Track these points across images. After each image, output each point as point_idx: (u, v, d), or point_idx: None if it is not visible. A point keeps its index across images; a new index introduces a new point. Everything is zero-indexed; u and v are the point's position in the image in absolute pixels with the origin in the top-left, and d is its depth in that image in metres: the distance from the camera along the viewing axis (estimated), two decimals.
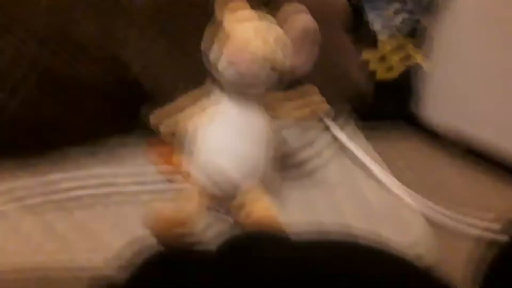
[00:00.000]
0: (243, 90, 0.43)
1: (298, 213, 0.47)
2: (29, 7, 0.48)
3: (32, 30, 0.48)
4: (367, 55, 0.67)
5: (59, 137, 0.52)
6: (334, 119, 0.61)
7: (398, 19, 0.98)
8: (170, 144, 0.48)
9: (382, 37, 0.72)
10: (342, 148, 0.59)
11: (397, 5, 0.98)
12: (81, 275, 0.37)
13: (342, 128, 0.60)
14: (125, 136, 0.56)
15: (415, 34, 0.76)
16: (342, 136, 0.58)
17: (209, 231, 0.42)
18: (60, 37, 0.49)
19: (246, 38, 0.41)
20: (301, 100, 0.46)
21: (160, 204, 0.44)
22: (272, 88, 0.45)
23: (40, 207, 0.44)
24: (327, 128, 0.60)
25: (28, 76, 0.48)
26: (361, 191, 0.51)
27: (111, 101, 0.53)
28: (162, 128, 0.46)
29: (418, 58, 0.70)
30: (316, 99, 0.46)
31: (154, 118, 0.46)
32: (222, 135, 0.44)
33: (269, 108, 0.45)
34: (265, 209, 0.41)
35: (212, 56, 0.43)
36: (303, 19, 0.43)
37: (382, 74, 0.69)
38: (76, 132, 0.53)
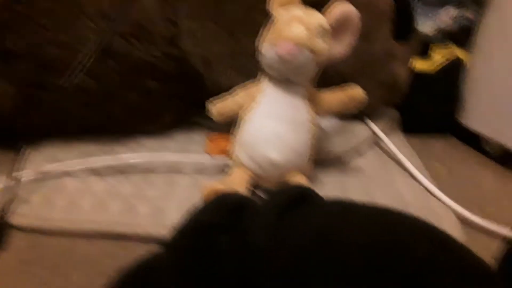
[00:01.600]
0: (285, 75, 0.45)
1: (329, 191, 0.49)
2: None
3: (100, 9, 0.52)
4: (418, 64, 0.68)
5: (125, 117, 0.58)
6: (379, 122, 0.62)
7: (455, 26, 0.97)
8: (227, 138, 0.53)
9: (434, 45, 0.73)
10: (383, 148, 0.61)
11: (451, 9, 0.98)
12: (142, 232, 0.43)
13: (387, 133, 0.61)
14: (191, 131, 0.62)
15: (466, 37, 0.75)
16: (384, 138, 0.60)
17: None
18: (122, 16, 0.53)
19: (287, 20, 0.44)
20: (340, 92, 0.48)
21: (211, 181, 0.48)
22: (314, 79, 0.47)
23: (108, 174, 0.51)
24: (371, 132, 0.61)
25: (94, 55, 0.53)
26: (395, 184, 0.53)
27: (173, 85, 0.58)
28: (213, 110, 0.50)
29: (462, 56, 0.70)
30: (355, 91, 0.48)
31: (211, 106, 0.50)
32: (266, 120, 0.47)
33: (311, 99, 0.48)
34: None
35: (258, 41, 0.46)
36: (343, 6, 0.45)
37: (421, 65, 0.69)
38: (141, 113, 0.58)
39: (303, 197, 0.32)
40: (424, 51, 0.70)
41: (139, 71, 0.55)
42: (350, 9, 0.46)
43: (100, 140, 0.58)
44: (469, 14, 0.96)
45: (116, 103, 0.56)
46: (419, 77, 0.67)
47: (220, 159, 0.54)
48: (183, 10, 0.55)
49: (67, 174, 0.50)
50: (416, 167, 0.55)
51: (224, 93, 0.52)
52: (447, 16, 0.95)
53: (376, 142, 0.62)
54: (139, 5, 0.54)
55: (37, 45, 0.52)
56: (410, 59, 0.64)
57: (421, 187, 0.53)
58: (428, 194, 0.51)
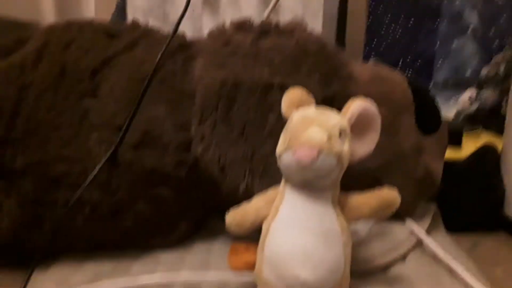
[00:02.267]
0: (306, 181, 0.41)
1: None
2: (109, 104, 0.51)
3: (107, 120, 0.50)
4: (449, 154, 0.64)
5: (138, 230, 0.53)
6: (419, 222, 0.57)
7: (475, 106, 0.96)
8: (253, 250, 0.48)
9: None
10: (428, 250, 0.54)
11: (471, 92, 0.97)
12: None
13: (430, 233, 0.56)
14: (211, 239, 0.58)
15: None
16: (428, 240, 0.54)
17: None
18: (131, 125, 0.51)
19: (304, 124, 0.41)
20: (371, 195, 0.44)
21: None
22: (338, 181, 0.43)
23: None
24: (412, 233, 0.56)
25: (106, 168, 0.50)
26: None
27: (187, 193, 0.54)
28: (232, 223, 0.45)
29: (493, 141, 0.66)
30: (385, 192, 0.43)
31: (228, 218, 0.45)
32: (290, 232, 0.42)
33: (338, 204, 0.43)
34: None
35: (277, 148, 0.43)
36: (360, 102, 0.43)
37: (452, 155, 0.65)
38: (155, 224, 0.54)
39: None
40: (456, 141, 0.66)
41: (150, 180, 0.52)
42: (367, 105, 0.43)
43: (114, 258, 0.53)
44: (489, 95, 0.95)
45: (127, 216, 0.52)
46: (449, 168, 0.62)
47: (245, 275, 0.47)
48: (193, 114, 0.53)
49: None
50: (471, 274, 0.48)
51: (242, 201, 0.47)
52: (468, 99, 0.94)
53: (420, 244, 0.55)
54: (148, 113, 0.52)
55: (40, 161, 0.49)
56: (443, 151, 0.59)
57: None
58: None
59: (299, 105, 0.45)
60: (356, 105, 0.43)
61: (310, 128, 0.40)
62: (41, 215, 0.49)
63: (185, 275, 0.48)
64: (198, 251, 0.55)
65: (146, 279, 0.47)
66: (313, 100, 0.46)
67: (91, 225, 0.51)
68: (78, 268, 0.51)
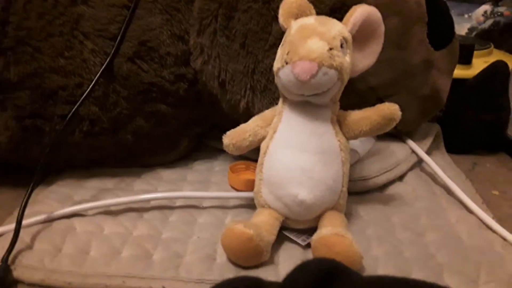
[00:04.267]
0: (305, 97, 0.40)
1: (372, 230, 0.44)
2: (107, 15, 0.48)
3: (100, 28, 0.48)
4: (458, 71, 0.61)
5: (138, 147, 0.53)
6: (420, 141, 0.56)
7: (488, 23, 0.91)
8: (253, 169, 0.48)
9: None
10: (427, 170, 0.54)
11: (486, 7, 0.91)
12: (156, 286, 0.37)
13: (430, 153, 0.55)
14: (211, 158, 0.58)
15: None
16: (428, 160, 0.53)
17: (279, 254, 0.41)
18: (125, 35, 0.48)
19: (303, 34, 0.38)
20: (370, 111, 0.42)
21: (232, 221, 0.43)
22: (338, 97, 0.42)
23: (122, 213, 0.46)
24: (412, 152, 0.55)
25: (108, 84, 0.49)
26: (445, 216, 0.46)
27: (186, 109, 0.53)
28: (229, 144, 0.44)
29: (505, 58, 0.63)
30: (388, 107, 0.41)
31: (226, 140, 0.45)
32: (288, 152, 0.41)
33: (337, 121, 0.42)
34: (343, 241, 0.37)
35: (274, 64, 0.41)
36: (363, 9, 0.40)
37: (461, 72, 0.62)
38: (155, 141, 0.53)
39: (333, 275, 0.26)
40: (466, 58, 0.63)
41: (148, 95, 0.50)
42: (371, 11, 0.40)
43: (116, 176, 0.53)
44: (504, 10, 0.89)
45: (126, 132, 0.51)
46: (457, 85, 0.60)
47: (245, 194, 0.48)
48: (191, 25, 0.50)
49: (77, 214, 0.45)
50: (468, 195, 0.48)
51: (243, 118, 0.46)
52: (482, 14, 0.89)
53: (419, 164, 0.56)
54: (143, 22, 0.49)
55: (34, 72, 0.47)
56: (452, 68, 0.57)
57: (476, 219, 0.46)
58: (485, 228, 0.45)
59: (297, 14, 0.41)
60: (359, 12, 0.40)
61: (310, 39, 0.38)
62: (39, 129, 0.49)
63: (186, 192, 0.49)
64: (199, 170, 0.56)
65: (145, 196, 0.47)
66: (312, 8, 0.42)
67: (90, 140, 0.50)
68: (80, 185, 0.51)
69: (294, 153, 0.41)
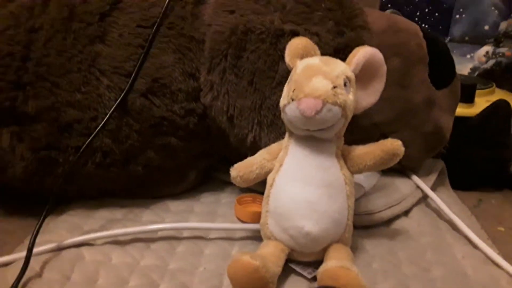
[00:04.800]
0: (310, 132, 0.41)
1: (378, 264, 0.44)
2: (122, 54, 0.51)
3: (115, 66, 0.50)
4: (461, 110, 0.62)
5: (148, 178, 0.54)
6: (425, 177, 0.57)
7: (490, 63, 0.93)
8: (259, 202, 0.48)
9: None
10: (432, 206, 0.55)
11: (488, 48, 0.94)
12: None
13: (435, 189, 0.56)
14: (219, 190, 0.59)
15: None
16: (433, 195, 0.54)
17: (285, 286, 0.41)
18: (139, 72, 0.50)
19: (308, 73, 0.40)
20: (374, 146, 0.43)
21: (239, 252, 0.43)
22: (342, 133, 0.43)
23: (130, 243, 0.47)
24: (417, 188, 0.56)
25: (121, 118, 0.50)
26: (451, 252, 0.46)
27: (195, 142, 0.54)
28: (237, 176, 0.45)
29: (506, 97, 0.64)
30: (389, 141, 0.42)
31: (234, 172, 0.46)
32: (294, 185, 0.42)
33: (342, 156, 0.43)
34: (348, 274, 0.38)
35: (281, 101, 0.42)
36: (365, 50, 0.41)
37: (463, 111, 0.64)
38: (164, 173, 0.55)
39: None
40: (469, 97, 0.65)
41: (159, 128, 0.52)
42: (373, 52, 0.42)
43: (125, 206, 0.54)
44: (506, 51, 0.92)
45: (137, 164, 0.53)
46: (460, 124, 0.61)
47: (251, 226, 0.49)
48: (202, 63, 0.52)
49: (86, 243, 0.46)
50: (474, 230, 0.49)
51: (250, 152, 0.48)
52: (484, 55, 0.91)
53: (424, 200, 0.56)
54: (156, 60, 0.51)
55: (52, 106, 0.49)
56: (454, 106, 0.58)
57: (481, 255, 0.46)
58: (491, 264, 0.45)
59: (303, 54, 0.43)
60: (362, 53, 0.42)
61: (315, 78, 0.40)
62: (54, 160, 0.50)
63: (193, 223, 0.49)
64: (206, 202, 0.57)
65: (153, 227, 0.48)
66: (317, 49, 0.44)
67: (102, 171, 0.52)
68: (90, 215, 0.52)
69: (300, 186, 0.42)
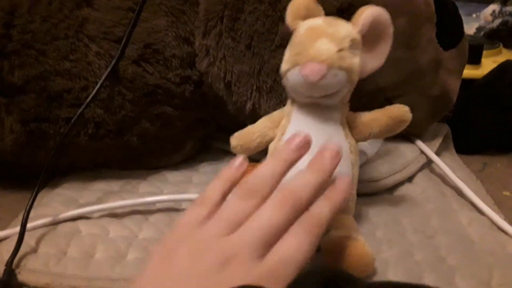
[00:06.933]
0: (314, 99, 0.39)
1: (382, 233, 0.43)
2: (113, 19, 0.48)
3: (104, 31, 0.48)
4: (467, 71, 0.60)
5: (144, 149, 0.53)
6: (429, 142, 0.56)
7: (497, 22, 0.90)
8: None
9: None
10: (437, 172, 0.53)
11: (494, 7, 0.90)
12: None
13: (440, 154, 0.54)
14: (217, 160, 0.57)
15: None
16: (438, 161, 0.53)
17: None
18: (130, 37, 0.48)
19: (311, 35, 0.38)
20: (380, 112, 0.41)
21: None
22: (347, 99, 0.41)
23: (127, 216, 0.46)
24: (421, 153, 0.54)
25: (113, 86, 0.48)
26: (456, 218, 0.45)
27: (192, 111, 0.53)
28: (237, 145, 0.44)
29: None
30: (398, 109, 0.41)
31: (234, 141, 0.44)
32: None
33: (347, 123, 0.41)
34: (354, 243, 0.36)
35: (282, 66, 0.40)
36: (372, 9, 0.39)
37: (470, 72, 0.62)
38: (161, 143, 0.53)
39: (337, 284, 0.25)
40: (475, 58, 0.62)
41: (153, 97, 0.50)
42: (379, 12, 0.39)
43: (122, 178, 0.53)
44: None
45: (132, 134, 0.51)
46: (466, 86, 0.59)
47: None
48: (196, 27, 0.49)
49: (82, 216, 0.45)
50: (479, 196, 0.47)
51: (249, 120, 0.46)
52: (490, 14, 0.88)
53: (428, 165, 0.54)
54: (148, 25, 0.49)
55: (39, 75, 0.47)
56: (461, 68, 0.56)
57: (487, 220, 0.45)
58: (497, 230, 0.43)
59: (305, 15, 0.40)
60: (368, 13, 0.39)
61: (318, 40, 0.37)
62: (44, 132, 0.48)
63: (192, 194, 0.48)
64: (205, 172, 0.55)
65: (150, 199, 0.47)
66: (321, 9, 0.41)
67: (95, 143, 0.50)
68: (86, 188, 0.51)
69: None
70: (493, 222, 0.44)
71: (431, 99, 0.53)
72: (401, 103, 0.41)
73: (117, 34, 0.48)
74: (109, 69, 0.47)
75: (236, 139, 0.44)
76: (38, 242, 0.41)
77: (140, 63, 0.48)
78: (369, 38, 0.40)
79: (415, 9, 0.50)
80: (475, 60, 0.63)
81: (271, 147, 0.43)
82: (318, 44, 0.37)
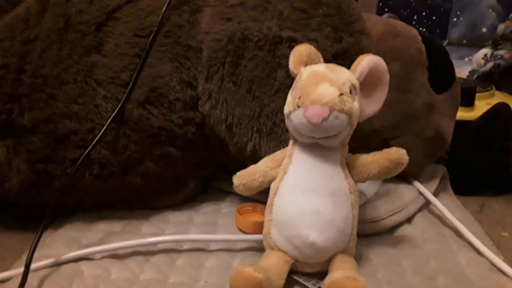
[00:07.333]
0: (316, 140, 0.40)
1: (383, 274, 0.44)
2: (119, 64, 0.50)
3: (112, 76, 0.50)
4: (461, 114, 0.62)
5: (147, 189, 0.53)
6: (427, 183, 0.57)
7: (489, 65, 0.93)
8: (260, 211, 0.47)
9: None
10: (435, 212, 0.54)
11: (486, 51, 0.94)
12: None
13: (437, 195, 0.55)
14: (219, 200, 0.58)
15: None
16: (435, 201, 0.54)
17: None
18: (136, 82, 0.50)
19: (314, 80, 0.40)
20: (379, 154, 0.43)
21: (241, 264, 0.43)
22: (346, 141, 0.42)
23: (129, 257, 0.46)
24: (419, 194, 0.55)
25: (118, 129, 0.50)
26: (455, 259, 0.46)
27: (194, 152, 0.54)
28: (239, 185, 0.45)
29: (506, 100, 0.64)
30: (393, 150, 0.42)
31: (236, 180, 0.45)
32: (299, 194, 0.41)
33: (346, 164, 0.43)
34: (356, 285, 0.37)
35: (285, 108, 0.42)
36: (370, 58, 0.41)
37: (464, 114, 0.63)
38: (163, 183, 0.54)
39: None
40: (469, 100, 0.64)
41: (157, 138, 0.51)
42: (377, 61, 0.42)
43: (124, 218, 0.53)
44: (504, 53, 0.92)
45: (135, 174, 0.52)
46: (461, 127, 0.61)
47: (252, 236, 0.48)
48: (199, 72, 0.52)
49: (85, 257, 0.45)
50: (478, 237, 0.48)
51: (250, 161, 0.47)
52: (482, 58, 0.91)
53: (427, 206, 0.55)
54: (153, 70, 0.51)
55: (48, 118, 0.49)
56: (454, 110, 0.58)
57: (486, 262, 0.45)
58: (496, 271, 0.44)
59: (307, 61, 0.43)
60: (367, 61, 0.41)
61: (321, 85, 0.39)
62: (50, 173, 0.49)
63: (193, 235, 0.49)
64: (206, 212, 0.56)
65: (152, 240, 0.47)
66: (320, 56, 0.44)
67: (100, 183, 0.51)
68: (88, 228, 0.51)
69: (305, 194, 0.41)
70: (492, 264, 0.45)
71: (426, 141, 0.55)
72: (397, 144, 0.43)
73: (124, 79, 0.50)
74: (115, 112, 0.49)
75: (239, 178, 0.45)
76: (41, 283, 0.41)
77: (145, 106, 0.50)
78: (367, 85, 0.42)
79: (407, 56, 0.53)
80: (468, 102, 0.65)
81: (273, 186, 0.44)
82: (321, 88, 0.39)
